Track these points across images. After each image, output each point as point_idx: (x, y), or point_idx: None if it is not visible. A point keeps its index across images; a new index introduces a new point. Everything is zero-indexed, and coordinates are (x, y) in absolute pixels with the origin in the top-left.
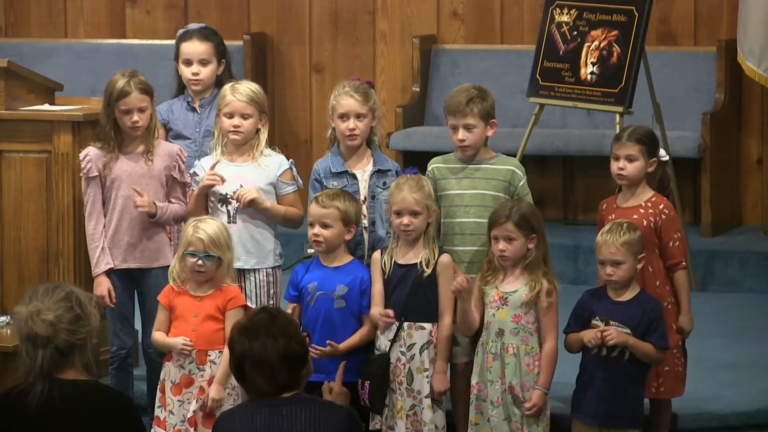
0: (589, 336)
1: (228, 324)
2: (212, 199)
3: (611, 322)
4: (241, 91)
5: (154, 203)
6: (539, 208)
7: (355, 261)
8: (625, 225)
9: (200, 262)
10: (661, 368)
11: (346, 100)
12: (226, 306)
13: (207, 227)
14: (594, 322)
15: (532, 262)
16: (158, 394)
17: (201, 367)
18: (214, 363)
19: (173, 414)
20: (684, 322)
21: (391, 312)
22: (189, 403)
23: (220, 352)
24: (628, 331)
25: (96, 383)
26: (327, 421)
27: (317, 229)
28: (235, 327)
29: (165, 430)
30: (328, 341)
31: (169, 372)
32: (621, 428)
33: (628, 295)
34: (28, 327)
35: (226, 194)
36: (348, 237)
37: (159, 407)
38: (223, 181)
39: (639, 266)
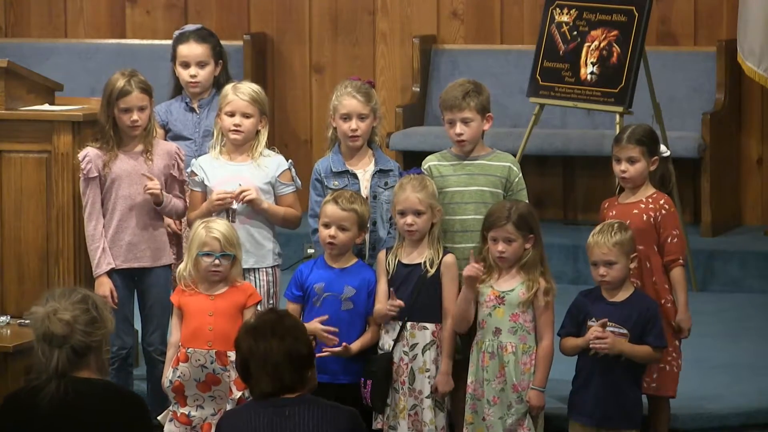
0: (588, 339)
1: None
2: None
3: (608, 324)
4: (243, 91)
5: (161, 192)
6: (539, 208)
7: (360, 262)
8: (616, 225)
9: (217, 261)
10: (656, 365)
11: (349, 100)
12: (247, 302)
13: (219, 227)
14: (590, 323)
15: (529, 261)
16: (171, 393)
17: (224, 367)
18: None
19: (203, 408)
20: (682, 320)
21: (401, 303)
22: (221, 399)
23: None
24: (625, 331)
25: (108, 382)
26: (330, 421)
27: (334, 231)
28: (243, 326)
29: (188, 424)
30: (344, 344)
31: (190, 373)
32: (618, 429)
33: (622, 296)
34: (44, 326)
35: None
36: (359, 241)
37: (176, 404)
38: (233, 199)
39: (632, 266)
